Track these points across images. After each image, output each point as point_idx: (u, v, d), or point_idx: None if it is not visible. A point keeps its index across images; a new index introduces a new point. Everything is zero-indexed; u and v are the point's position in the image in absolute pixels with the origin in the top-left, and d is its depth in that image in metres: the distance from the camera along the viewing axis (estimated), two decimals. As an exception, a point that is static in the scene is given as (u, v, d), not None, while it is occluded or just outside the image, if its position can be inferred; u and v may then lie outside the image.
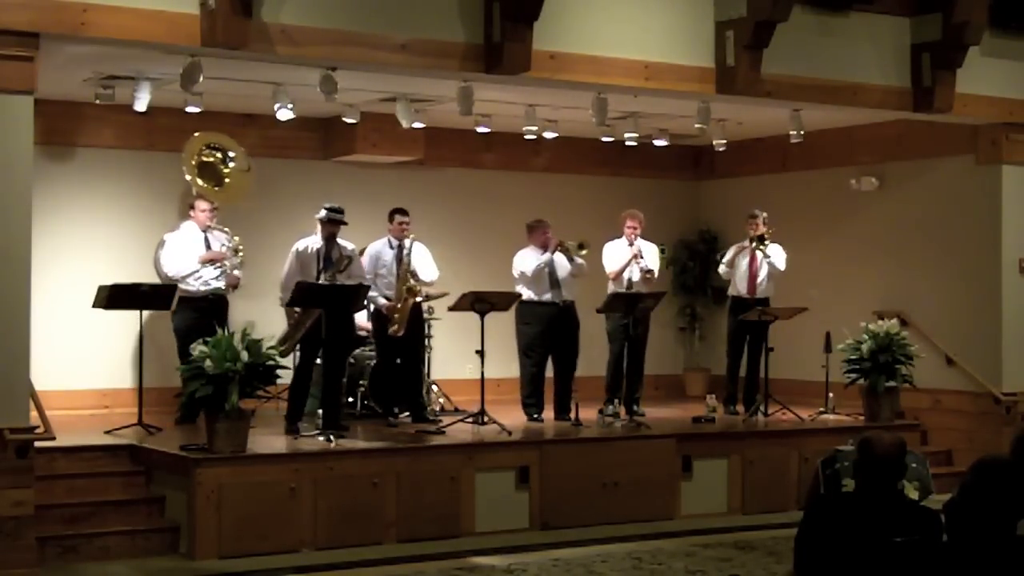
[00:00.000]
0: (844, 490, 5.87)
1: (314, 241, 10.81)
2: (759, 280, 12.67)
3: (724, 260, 12.92)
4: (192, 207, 11.39)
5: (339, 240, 10.82)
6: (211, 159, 11.49)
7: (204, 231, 11.30)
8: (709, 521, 10.66)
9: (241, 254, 11.26)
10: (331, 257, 10.70)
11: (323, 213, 10.81)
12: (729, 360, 12.91)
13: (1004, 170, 12.46)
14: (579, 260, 11.76)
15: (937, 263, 13.05)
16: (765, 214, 12.70)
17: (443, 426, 10.89)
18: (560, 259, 11.80)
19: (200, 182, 11.38)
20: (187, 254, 11.16)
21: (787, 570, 5.76)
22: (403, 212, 11.39)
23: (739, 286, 12.76)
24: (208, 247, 11.25)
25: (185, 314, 10.96)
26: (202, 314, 10.68)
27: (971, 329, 12.68)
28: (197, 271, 11.08)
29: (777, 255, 12.62)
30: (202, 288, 11.08)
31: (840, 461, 6.13)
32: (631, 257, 12.15)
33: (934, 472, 6.81)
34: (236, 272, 11.26)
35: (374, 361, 11.90)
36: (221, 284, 11.17)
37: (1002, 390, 12.36)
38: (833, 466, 6.21)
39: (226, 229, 11.34)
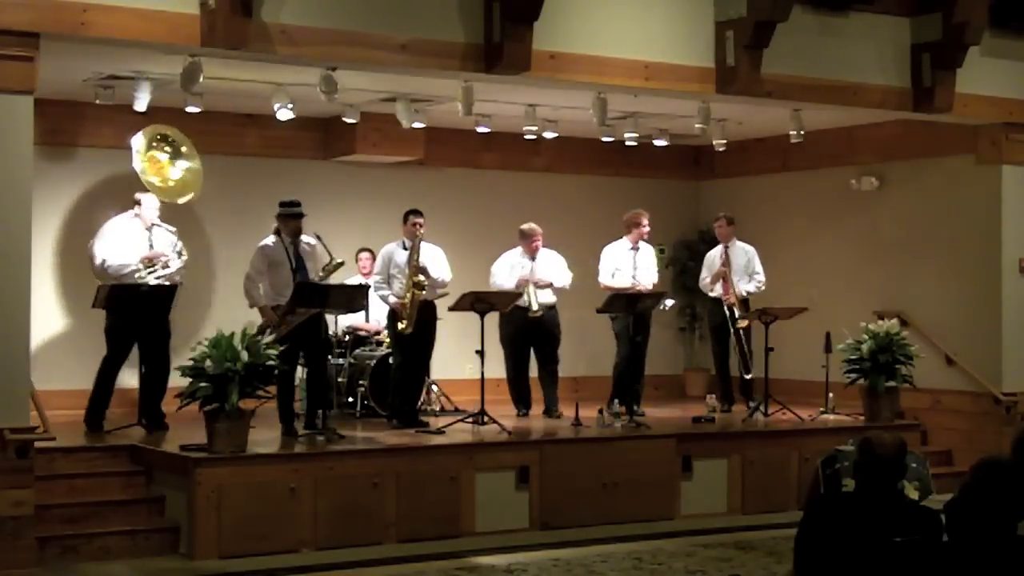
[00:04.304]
0: (844, 490, 5.87)
1: (275, 239, 10.62)
2: (735, 280, 12.73)
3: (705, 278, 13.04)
4: (138, 202, 10.91)
5: (303, 237, 10.67)
6: (163, 152, 11.31)
7: (148, 228, 10.87)
8: (709, 521, 10.66)
9: (184, 258, 10.89)
10: (300, 254, 10.61)
11: (280, 210, 10.62)
12: (716, 359, 12.98)
13: (1004, 170, 12.45)
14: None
15: (937, 263, 13.05)
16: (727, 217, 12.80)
17: (443, 426, 10.90)
18: (544, 269, 11.99)
19: (153, 179, 11.14)
20: (128, 251, 10.71)
21: (787, 570, 5.76)
22: (417, 213, 11.24)
23: (718, 289, 12.81)
24: (151, 246, 10.82)
25: (116, 313, 10.58)
26: (136, 313, 10.48)
27: (971, 329, 12.68)
28: (138, 270, 10.65)
29: (748, 258, 12.79)
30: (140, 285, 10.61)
31: (840, 461, 6.14)
32: (631, 287, 12.19)
33: (934, 472, 6.83)
34: (177, 277, 10.82)
35: (374, 361, 11.91)
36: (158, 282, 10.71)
37: (1002, 390, 12.36)
38: (833, 466, 6.22)
39: (172, 228, 10.98)
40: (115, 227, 10.86)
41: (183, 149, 11.30)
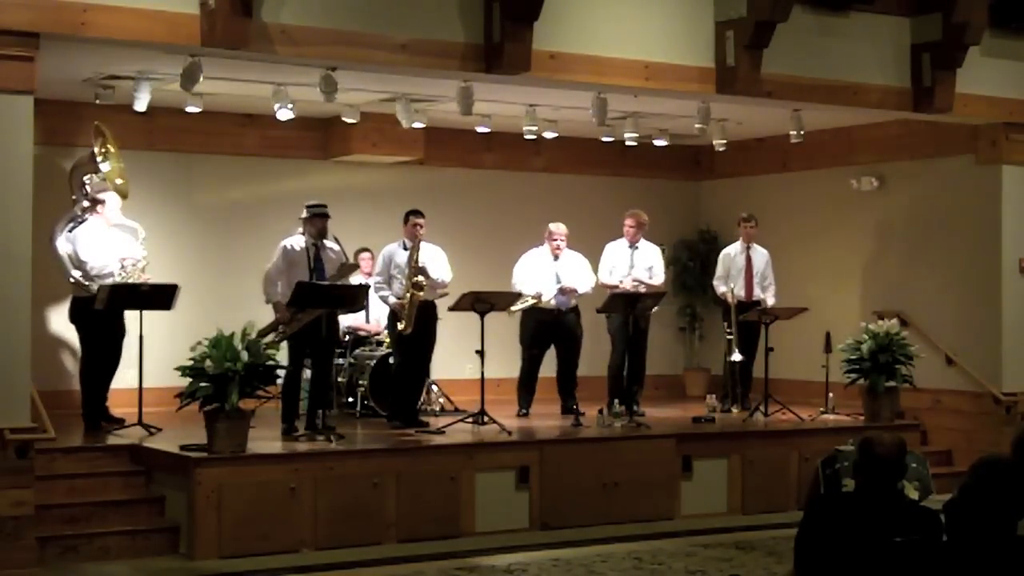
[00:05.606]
0: (844, 490, 5.86)
1: (299, 241, 10.66)
2: (756, 283, 12.81)
3: (720, 277, 13.06)
4: (102, 202, 10.79)
5: (326, 240, 10.70)
6: (100, 152, 11.27)
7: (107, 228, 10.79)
8: (709, 521, 10.66)
9: (144, 253, 10.76)
10: (321, 257, 10.64)
11: (305, 212, 10.66)
12: (725, 360, 12.98)
13: (1004, 170, 12.46)
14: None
15: (937, 263, 13.05)
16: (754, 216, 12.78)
17: (443, 426, 10.89)
18: (567, 272, 11.99)
19: (118, 179, 11.06)
20: (106, 252, 10.64)
21: (787, 570, 5.76)
22: (418, 213, 11.23)
23: (736, 290, 12.80)
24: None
25: (90, 317, 10.52)
26: (108, 317, 10.44)
27: (971, 329, 12.68)
28: (113, 272, 10.58)
29: (766, 261, 12.92)
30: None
31: (840, 461, 6.13)
32: (628, 285, 12.20)
33: (934, 472, 6.80)
34: (146, 274, 10.76)
35: (374, 361, 11.91)
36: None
37: (1002, 390, 12.37)
38: (833, 466, 6.21)
39: (139, 228, 10.89)
40: (88, 228, 10.75)
41: (110, 148, 11.27)
